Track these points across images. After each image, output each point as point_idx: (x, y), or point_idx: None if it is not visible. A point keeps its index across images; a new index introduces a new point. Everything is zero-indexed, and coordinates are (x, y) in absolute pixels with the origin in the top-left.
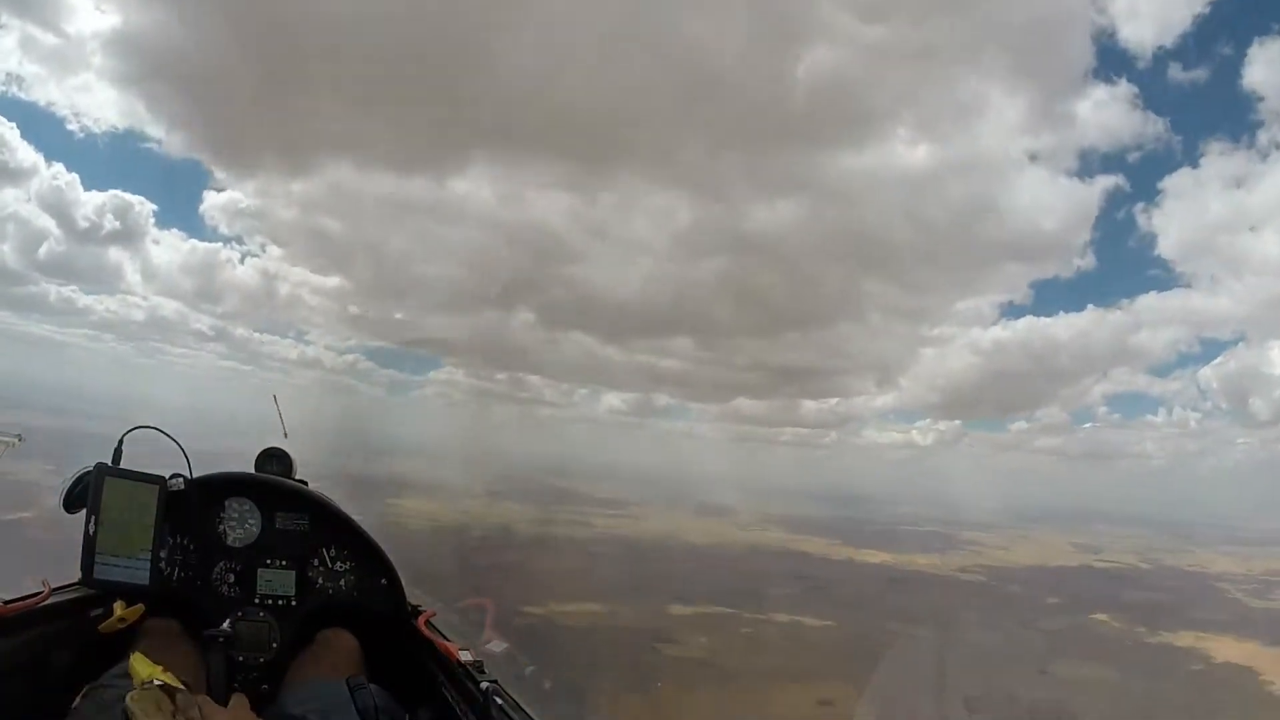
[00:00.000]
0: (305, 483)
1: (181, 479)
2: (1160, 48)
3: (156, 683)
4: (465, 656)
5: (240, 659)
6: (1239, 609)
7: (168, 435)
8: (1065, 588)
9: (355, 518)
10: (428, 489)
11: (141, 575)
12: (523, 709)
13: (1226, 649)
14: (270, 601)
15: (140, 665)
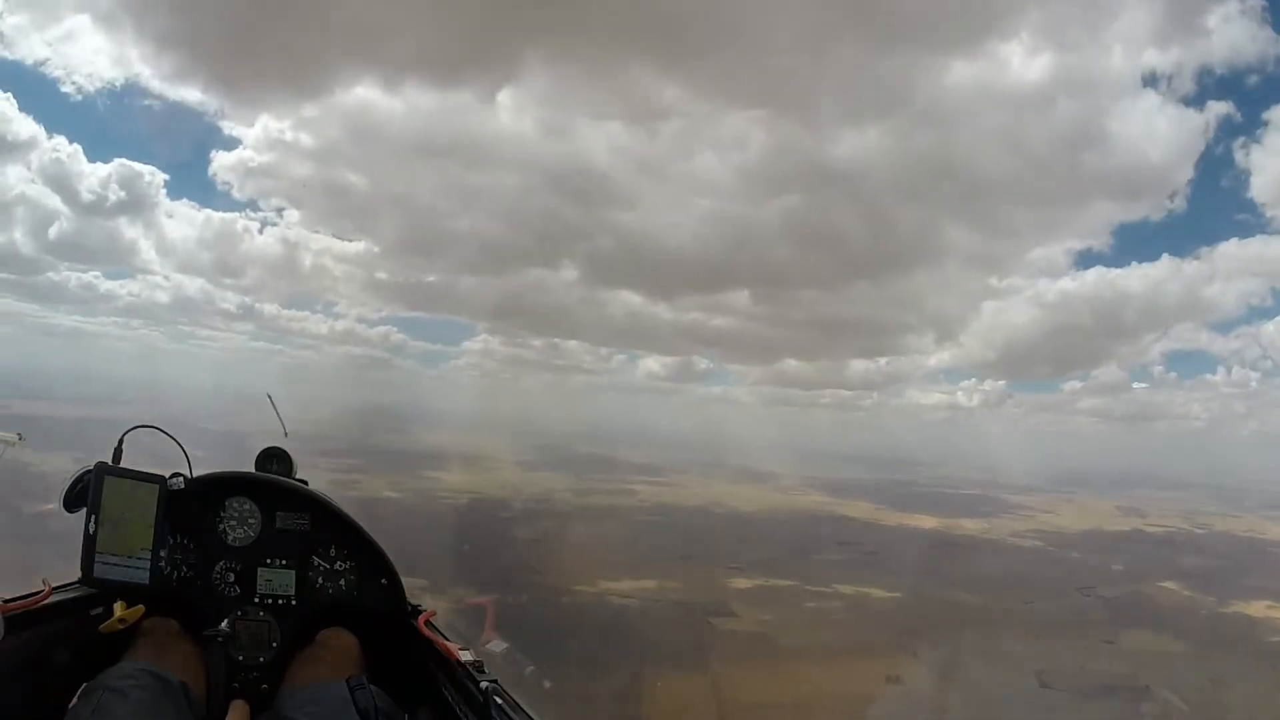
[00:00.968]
0: (305, 482)
1: (181, 478)
2: None
3: None
4: (465, 656)
5: (240, 659)
6: None
7: (168, 434)
8: (1124, 554)
9: (355, 518)
10: (466, 460)
11: (141, 575)
12: (523, 709)
13: None
14: (270, 601)
15: None
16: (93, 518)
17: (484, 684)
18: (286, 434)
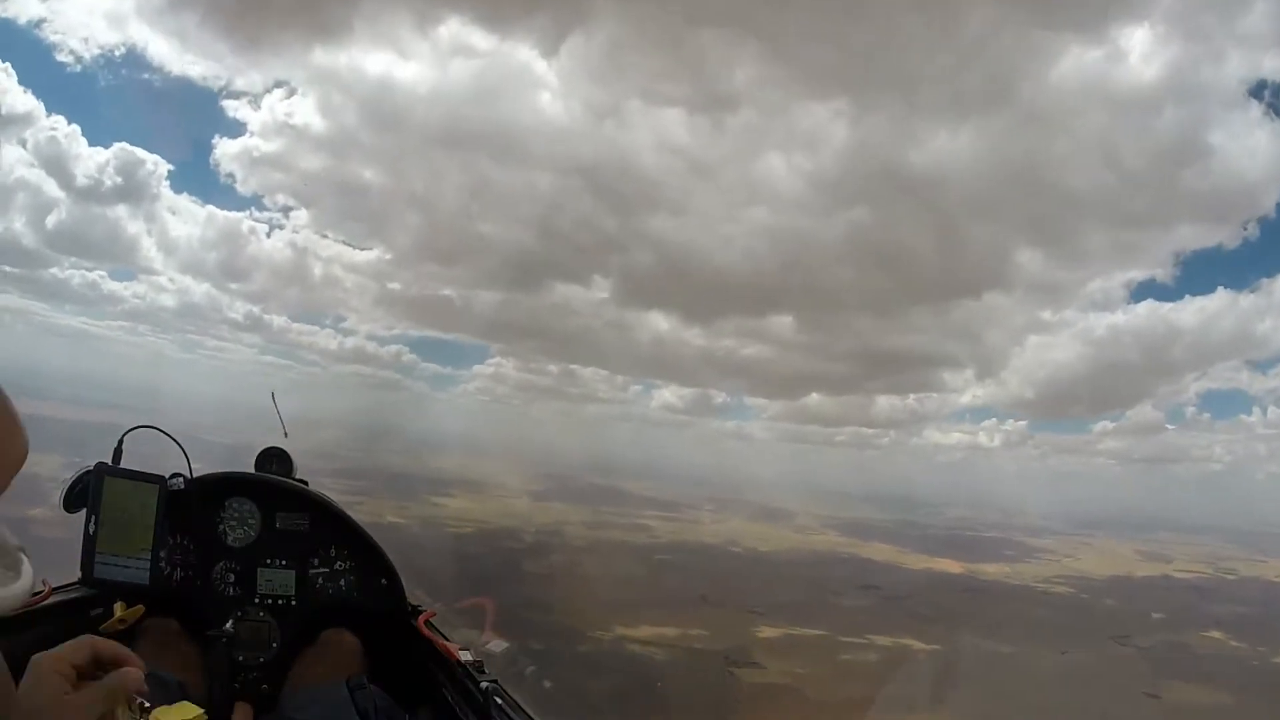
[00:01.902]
0: (305, 482)
1: (181, 479)
2: None
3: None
4: (465, 656)
5: (240, 659)
6: None
7: (168, 435)
8: (1155, 601)
9: (355, 518)
10: (473, 486)
11: (141, 575)
12: (523, 709)
13: None
14: (270, 601)
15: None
16: (93, 518)
17: (484, 684)
18: (286, 434)
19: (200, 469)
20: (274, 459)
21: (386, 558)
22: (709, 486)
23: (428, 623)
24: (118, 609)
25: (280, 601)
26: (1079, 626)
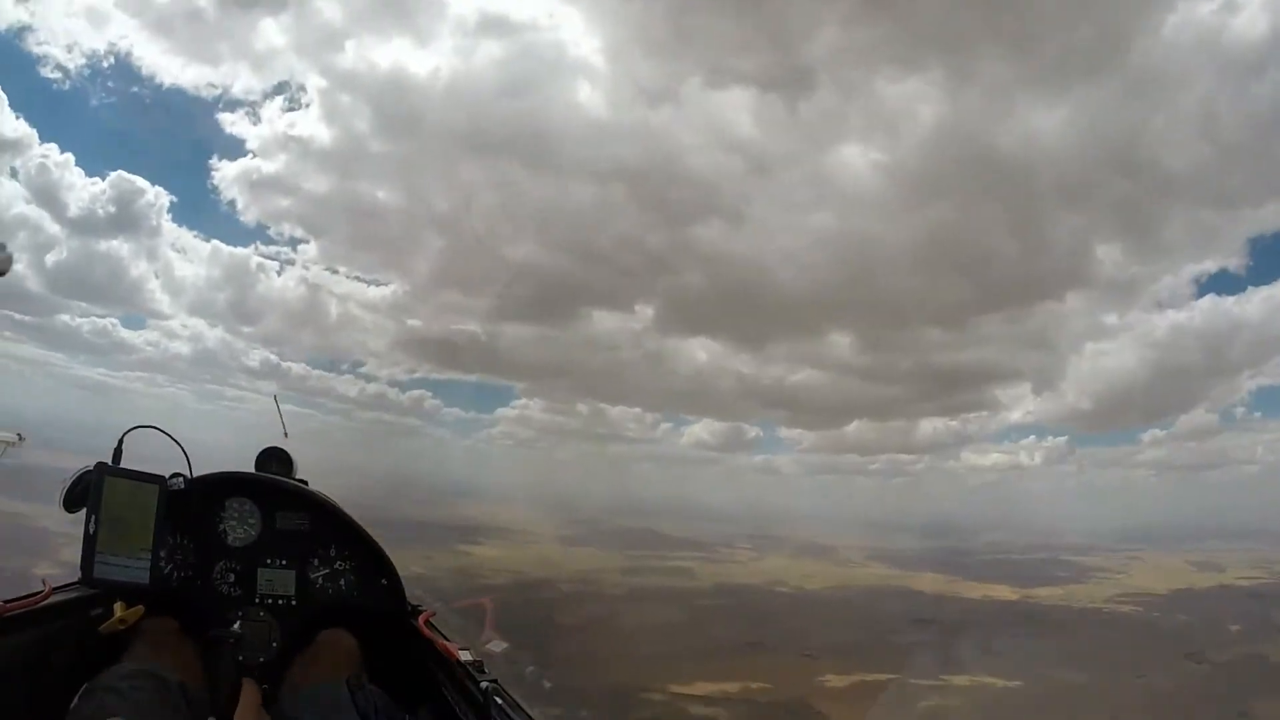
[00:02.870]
0: (305, 482)
1: (182, 479)
2: None
3: None
4: (465, 656)
5: (240, 659)
6: None
7: (168, 435)
8: (1221, 613)
9: (356, 519)
10: (501, 534)
11: (141, 575)
12: (523, 709)
13: None
14: (270, 601)
15: None
16: (93, 518)
17: (484, 684)
18: (286, 435)
19: (200, 470)
20: (274, 458)
21: (386, 558)
22: (742, 524)
23: (428, 623)
24: (118, 609)
25: (280, 601)
26: (1149, 646)
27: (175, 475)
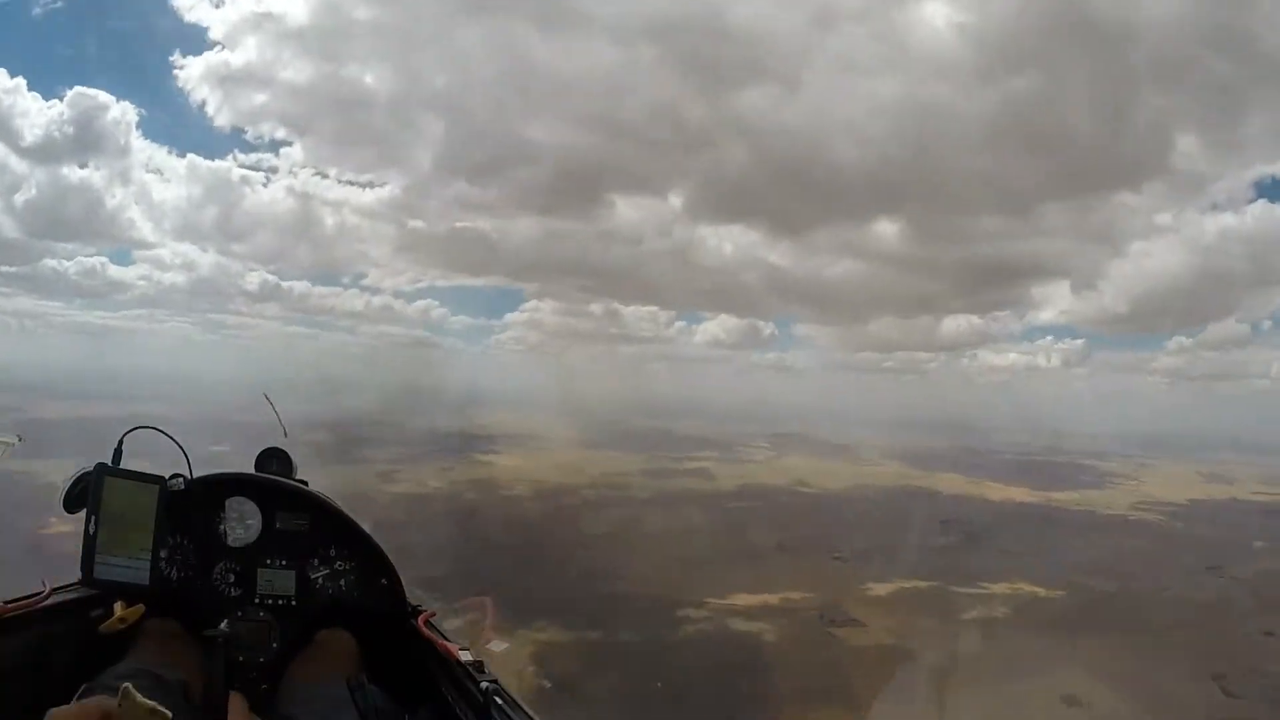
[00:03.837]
0: (305, 482)
1: (182, 479)
2: None
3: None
4: (465, 656)
5: (240, 659)
6: None
7: (168, 435)
8: (1237, 526)
9: (355, 518)
10: (519, 441)
11: (141, 575)
12: (523, 709)
13: None
14: (270, 601)
15: None
16: (93, 518)
17: (484, 684)
18: (286, 434)
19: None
20: (274, 458)
21: (386, 558)
22: (757, 423)
23: (427, 623)
24: (118, 609)
25: (280, 601)
26: (1170, 557)
27: (175, 475)
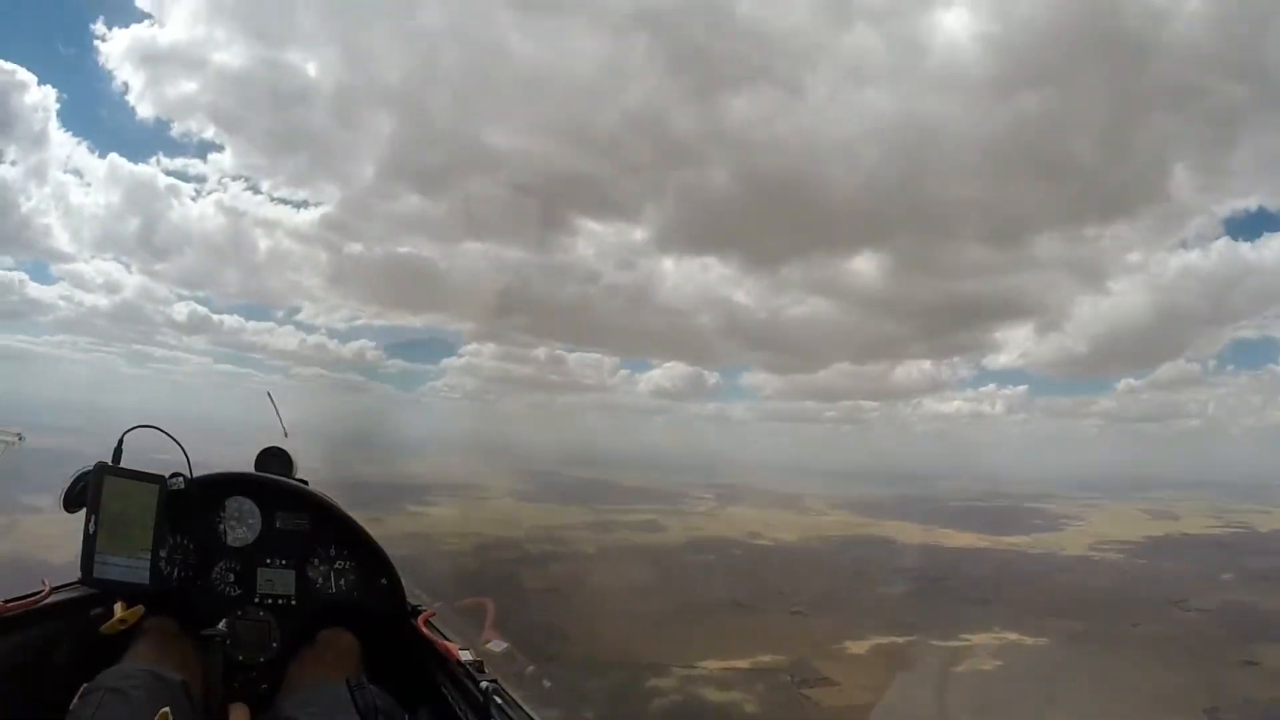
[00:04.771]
0: (305, 482)
1: (181, 478)
2: None
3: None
4: (465, 656)
5: (240, 659)
6: None
7: (168, 435)
8: (1197, 560)
9: (356, 518)
10: (456, 492)
11: (141, 575)
12: (523, 709)
13: None
14: (270, 601)
15: None
16: (93, 518)
17: (484, 684)
18: (286, 434)
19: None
20: (274, 458)
21: (386, 558)
22: (697, 473)
23: (428, 623)
24: (118, 609)
25: (280, 601)
26: (1132, 594)
27: (175, 475)
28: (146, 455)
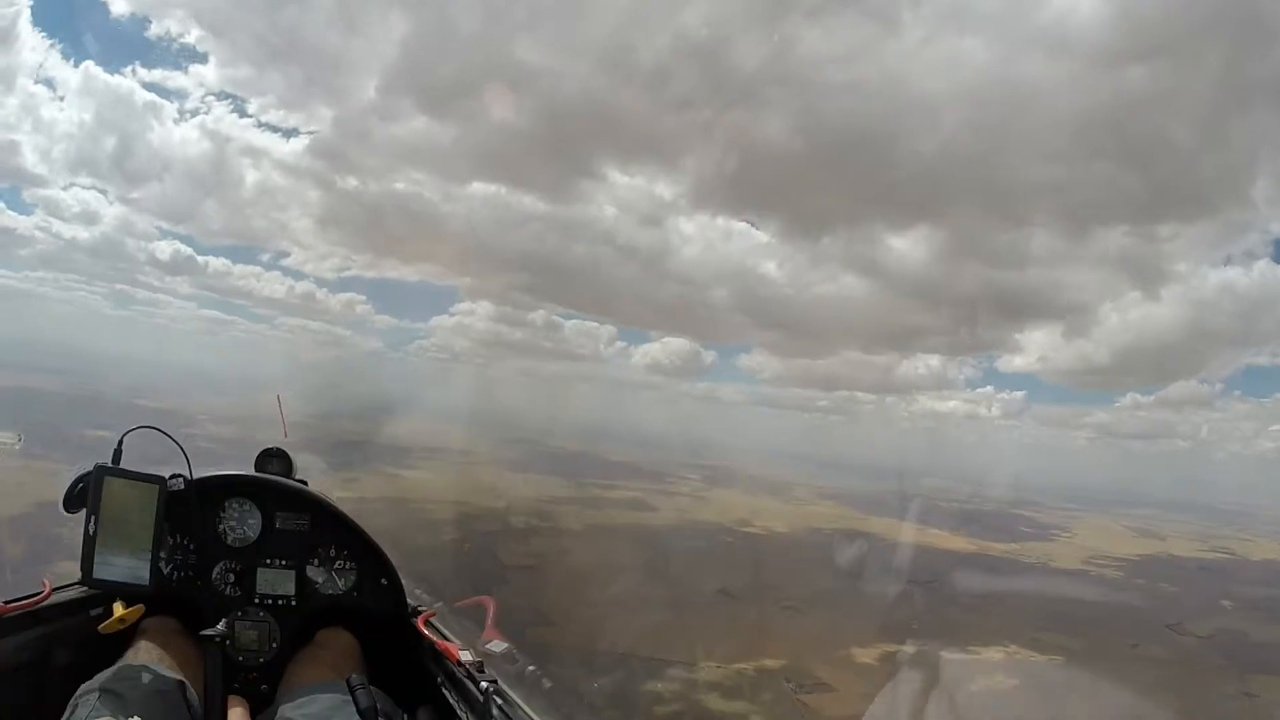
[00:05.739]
0: (305, 482)
1: (181, 479)
2: None
3: None
4: (465, 656)
5: (239, 659)
6: None
7: (168, 435)
8: (1187, 583)
9: (355, 518)
10: (436, 455)
11: (141, 575)
12: (523, 709)
13: None
14: (270, 601)
15: None
16: (93, 518)
17: (484, 684)
18: (286, 435)
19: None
20: (274, 458)
21: (386, 558)
22: (685, 453)
23: (428, 623)
24: (118, 609)
25: (280, 601)
26: (1131, 614)
27: (175, 475)
28: (146, 455)
